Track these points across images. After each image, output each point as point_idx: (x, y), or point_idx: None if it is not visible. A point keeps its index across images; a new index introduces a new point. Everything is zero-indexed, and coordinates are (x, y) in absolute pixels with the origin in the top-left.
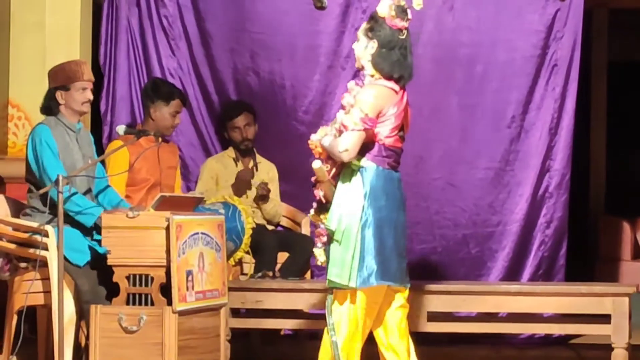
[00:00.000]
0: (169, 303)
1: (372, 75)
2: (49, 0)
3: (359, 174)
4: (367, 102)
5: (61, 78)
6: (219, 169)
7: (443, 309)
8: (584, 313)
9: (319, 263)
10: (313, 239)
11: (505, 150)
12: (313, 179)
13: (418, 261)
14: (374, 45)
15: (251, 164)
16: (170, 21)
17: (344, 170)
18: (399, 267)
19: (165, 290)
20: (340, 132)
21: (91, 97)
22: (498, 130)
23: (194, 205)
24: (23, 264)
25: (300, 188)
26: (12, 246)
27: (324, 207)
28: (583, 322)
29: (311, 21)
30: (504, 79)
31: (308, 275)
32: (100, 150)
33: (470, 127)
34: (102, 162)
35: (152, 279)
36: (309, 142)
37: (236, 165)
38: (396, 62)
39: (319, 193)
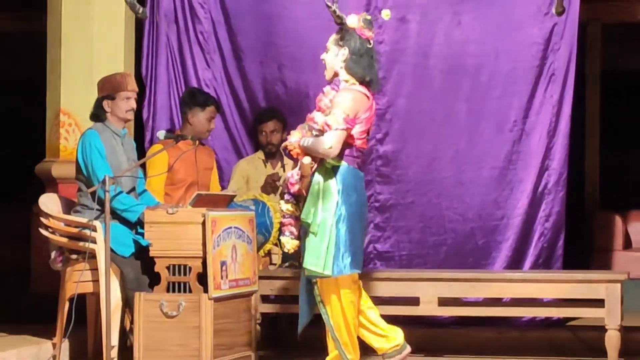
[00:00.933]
0: (205, 290)
1: (347, 81)
2: (96, 17)
3: (332, 171)
4: (347, 105)
5: (108, 88)
6: (250, 170)
7: (452, 295)
8: (580, 298)
9: (285, 250)
10: None
11: (508, 151)
12: (296, 173)
13: (431, 252)
14: (344, 52)
15: (279, 165)
16: (205, 37)
17: (318, 168)
18: (362, 256)
19: (202, 279)
20: (321, 132)
21: (134, 105)
22: (502, 133)
23: (228, 202)
24: (74, 256)
25: None
26: (64, 240)
27: (298, 200)
28: (579, 306)
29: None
30: (506, 87)
31: None
32: (141, 154)
33: (477, 130)
34: (143, 165)
35: (190, 268)
36: (287, 144)
37: (265, 166)
38: (367, 67)
39: (294, 187)
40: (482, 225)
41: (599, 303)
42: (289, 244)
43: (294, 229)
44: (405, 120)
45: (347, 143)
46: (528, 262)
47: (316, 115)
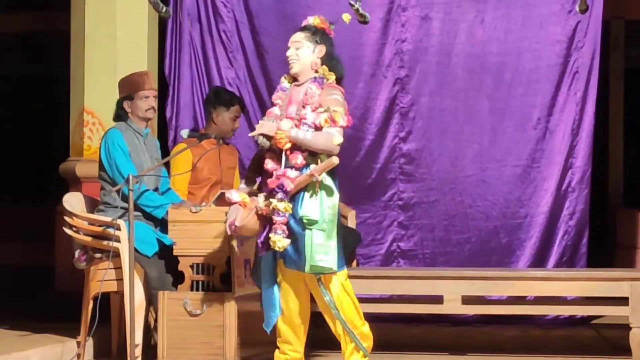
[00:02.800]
0: (229, 289)
1: (327, 79)
2: (120, 16)
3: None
4: (341, 102)
5: (126, 88)
6: None
7: (476, 293)
8: (604, 296)
9: (276, 248)
10: (359, 232)
11: (531, 149)
12: (290, 171)
13: (454, 250)
14: (322, 49)
15: None
16: (228, 36)
17: (310, 164)
18: None
19: (226, 277)
20: (317, 128)
21: (154, 104)
22: (525, 131)
23: None
24: (98, 255)
25: (345, 184)
26: (88, 239)
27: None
28: (603, 304)
29: (355, 34)
30: (529, 85)
31: (354, 264)
32: (165, 152)
33: (500, 128)
34: (167, 164)
35: (214, 267)
36: (278, 132)
37: None
38: (340, 65)
39: (289, 185)
40: (506, 224)
41: (623, 301)
42: (281, 242)
43: (285, 228)
44: (428, 119)
45: None
46: (552, 260)
47: (308, 112)
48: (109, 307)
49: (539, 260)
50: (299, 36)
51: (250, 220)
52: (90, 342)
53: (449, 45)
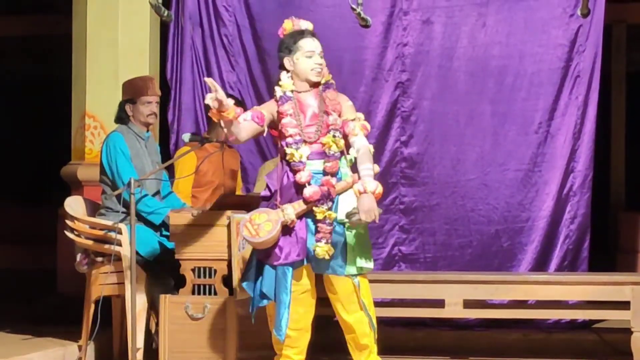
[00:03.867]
0: (231, 293)
1: (334, 84)
2: (122, 20)
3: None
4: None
5: (130, 92)
6: None
7: (478, 297)
8: (605, 300)
9: (326, 257)
10: None
11: (533, 153)
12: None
13: (456, 254)
14: None
15: None
16: (230, 40)
17: (342, 164)
18: None
19: (227, 281)
20: (345, 135)
21: (155, 110)
22: (526, 135)
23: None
24: (99, 259)
25: None
26: (89, 242)
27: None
28: (605, 308)
29: (357, 38)
30: (531, 88)
31: None
32: (166, 156)
33: (502, 132)
34: (169, 167)
35: (215, 271)
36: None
37: None
38: None
39: (334, 193)
40: (507, 228)
41: (624, 305)
42: (331, 250)
43: (330, 236)
44: (430, 122)
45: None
46: (553, 264)
47: (336, 118)
48: (110, 310)
49: (540, 264)
50: (319, 45)
51: (278, 233)
52: (91, 346)
53: (451, 49)
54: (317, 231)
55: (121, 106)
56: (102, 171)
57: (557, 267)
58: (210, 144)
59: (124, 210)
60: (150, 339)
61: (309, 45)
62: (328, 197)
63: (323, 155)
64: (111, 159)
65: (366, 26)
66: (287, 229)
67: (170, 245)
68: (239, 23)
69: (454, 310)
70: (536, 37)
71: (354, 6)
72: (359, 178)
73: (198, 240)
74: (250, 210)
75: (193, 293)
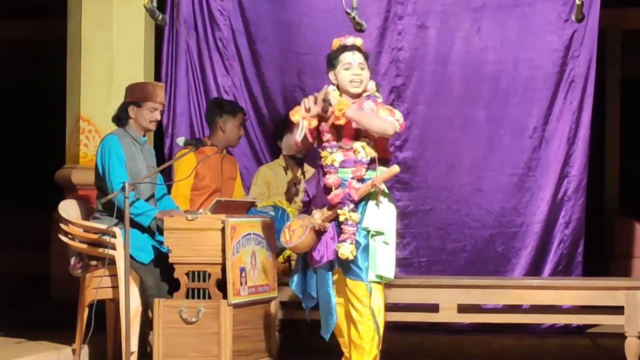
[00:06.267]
0: (225, 297)
1: (379, 97)
2: (116, 23)
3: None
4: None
5: (137, 95)
6: (271, 176)
7: (472, 302)
8: (599, 305)
9: (350, 258)
10: None
11: (527, 158)
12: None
13: (450, 258)
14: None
15: (299, 172)
16: (224, 43)
17: (370, 172)
18: None
19: (221, 285)
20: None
21: (159, 118)
22: (521, 140)
23: (247, 208)
24: (93, 262)
25: None
26: (84, 246)
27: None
28: (599, 313)
29: None
30: (526, 93)
31: None
32: (161, 160)
33: (496, 137)
34: (164, 170)
35: (209, 275)
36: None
37: (286, 173)
38: None
39: (355, 195)
40: (502, 232)
41: (618, 310)
42: (354, 252)
43: (355, 238)
44: (424, 127)
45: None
46: (547, 269)
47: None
48: (104, 314)
49: (534, 269)
50: (361, 57)
51: (307, 237)
52: (85, 350)
53: (445, 54)
54: (340, 232)
55: (124, 107)
56: (97, 174)
57: (551, 272)
58: (208, 147)
59: (109, 214)
60: (144, 343)
61: (348, 58)
62: (350, 199)
63: (354, 164)
64: (105, 162)
65: (361, 30)
66: (321, 233)
67: (164, 249)
68: (233, 27)
69: (448, 314)
70: (531, 43)
71: (348, 10)
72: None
73: (192, 244)
74: (243, 214)
75: (187, 297)
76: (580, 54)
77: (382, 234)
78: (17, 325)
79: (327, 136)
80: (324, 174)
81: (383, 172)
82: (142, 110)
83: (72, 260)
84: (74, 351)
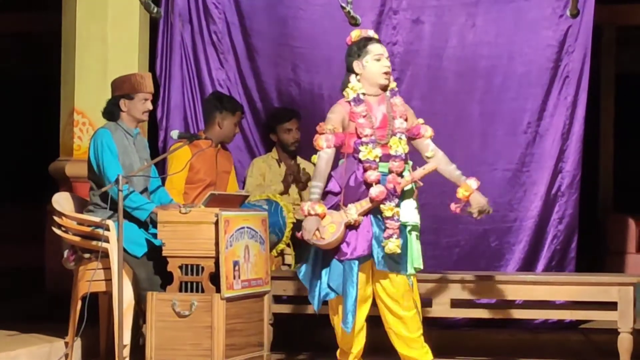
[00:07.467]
0: (218, 290)
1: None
2: (111, 16)
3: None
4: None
5: (127, 88)
6: (265, 169)
7: (465, 297)
8: (592, 300)
9: (397, 252)
10: None
11: (521, 154)
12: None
13: (444, 253)
14: None
15: (293, 163)
16: (219, 37)
17: (407, 172)
18: None
19: (214, 278)
20: (410, 137)
21: (151, 107)
22: (515, 135)
23: (241, 202)
24: (86, 255)
25: None
26: (77, 239)
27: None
28: (592, 308)
29: (347, 37)
30: (520, 89)
31: None
32: (154, 153)
33: (490, 132)
34: (159, 163)
35: (203, 268)
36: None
37: (279, 166)
38: None
39: (399, 190)
40: (495, 227)
41: (611, 306)
42: (400, 246)
43: (398, 232)
44: None
45: None
46: (541, 265)
47: (402, 122)
48: (97, 307)
49: (528, 264)
50: (386, 50)
51: (342, 234)
52: (78, 343)
53: (440, 49)
54: (385, 228)
55: (114, 101)
56: (90, 168)
57: (545, 268)
58: (203, 140)
59: (105, 206)
60: (137, 335)
61: (378, 49)
62: (394, 195)
63: (389, 158)
64: (98, 156)
65: (356, 25)
66: (352, 226)
67: (157, 242)
68: (228, 20)
69: (441, 309)
70: (525, 38)
71: (343, 5)
72: (449, 178)
73: (186, 238)
74: (236, 208)
75: (180, 290)
76: (575, 49)
77: (417, 228)
78: (10, 318)
79: (366, 131)
80: (365, 169)
81: (425, 168)
82: (134, 102)
83: (66, 253)
84: (66, 344)
